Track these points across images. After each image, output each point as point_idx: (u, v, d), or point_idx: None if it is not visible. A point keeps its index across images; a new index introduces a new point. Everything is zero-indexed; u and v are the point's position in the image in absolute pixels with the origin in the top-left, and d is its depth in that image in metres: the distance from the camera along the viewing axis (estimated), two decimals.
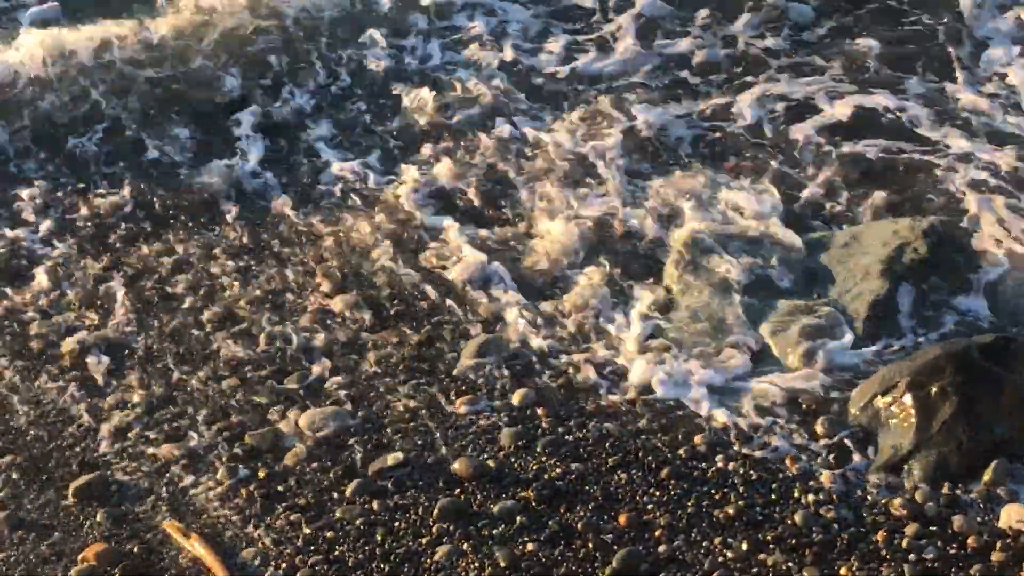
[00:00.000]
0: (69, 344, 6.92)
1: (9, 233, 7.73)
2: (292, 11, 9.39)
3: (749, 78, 8.83)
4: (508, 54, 9.13)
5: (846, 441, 6.09)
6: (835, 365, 6.48)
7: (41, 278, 7.40)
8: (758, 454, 6.05)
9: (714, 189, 7.71)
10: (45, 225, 7.78)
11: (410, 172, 8.03)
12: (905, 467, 5.92)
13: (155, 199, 7.98)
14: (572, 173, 7.94)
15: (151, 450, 6.29)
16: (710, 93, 8.72)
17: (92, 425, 6.45)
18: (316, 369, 6.69)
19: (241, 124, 8.58)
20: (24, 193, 8.01)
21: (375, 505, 5.89)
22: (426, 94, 8.69)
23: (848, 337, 6.55)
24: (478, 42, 9.27)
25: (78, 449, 6.34)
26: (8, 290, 7.34)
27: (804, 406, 6.30)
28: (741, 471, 5.96)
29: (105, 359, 6.83)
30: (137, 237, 7.70)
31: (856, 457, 6.01)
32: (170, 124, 8.61)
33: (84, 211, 7.89)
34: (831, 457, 6.01)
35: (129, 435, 6.39)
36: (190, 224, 7.78)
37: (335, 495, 5.99)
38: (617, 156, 8.06)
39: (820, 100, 8.51)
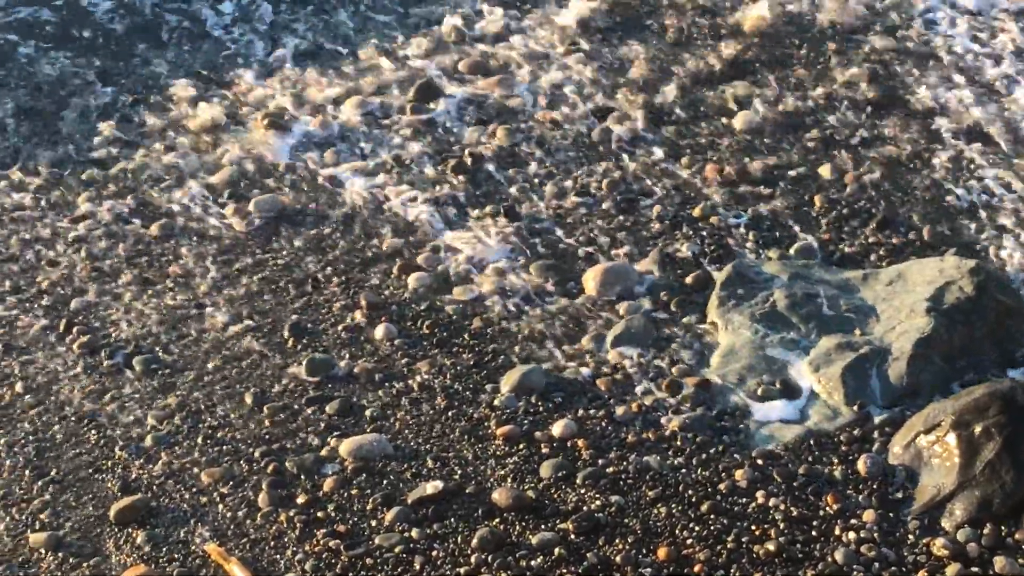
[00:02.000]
0: (111, 362, 6.98)
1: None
2: None
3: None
4: None
5: (888, 479, 6.06)
6: (879, 403, 6.44)
7: (89, 297, 7.48)
8: (799, 491, 6.03)
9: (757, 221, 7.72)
10: None
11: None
12: (947, 507, 5.88)
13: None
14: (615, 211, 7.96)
15: (193, 473, 6.32)
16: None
17: (134, 447, 6.48)
18: (357, 396, 6.70)
19: None
20: None
21: (414, 533, 5.89)
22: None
23: (892, 375, 6.51)
24: None
25: (120, 471, 6.37)
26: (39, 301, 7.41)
27: (846, 443, 6.27)
28: (782, 507, 5.93)
29: (151, 382, 6.87)
30: (170, 257, 7.77)
31: (898, 495, 5.98)
32: None
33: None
34: (873, 495, 5.98)
35: (171, 458, 6.41)
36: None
37: (374, 522, 5.99)
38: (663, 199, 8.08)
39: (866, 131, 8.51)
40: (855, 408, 6.43)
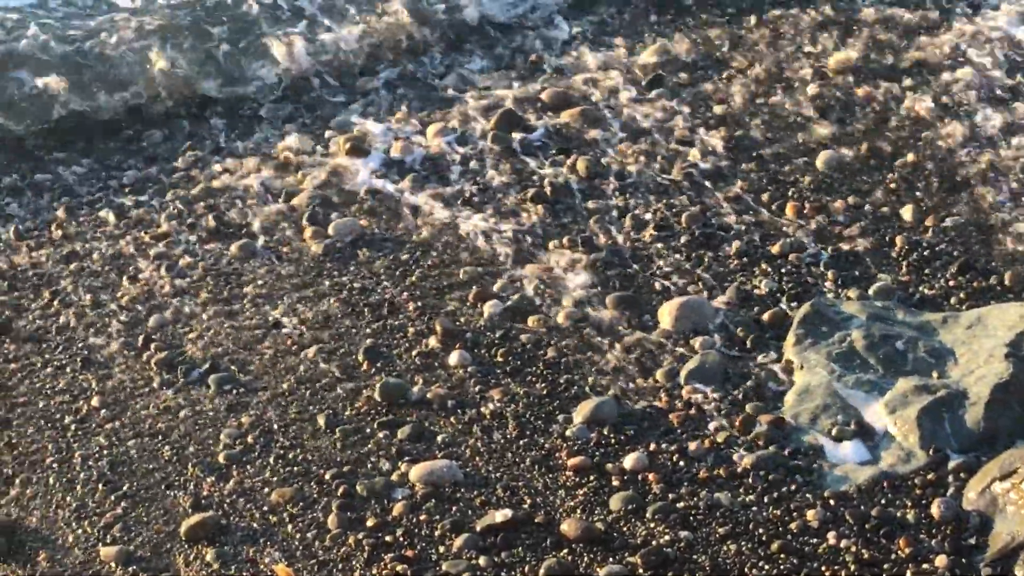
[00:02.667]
0: (186, 379, 7.04)
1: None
2: None
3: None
4: None
5: (962, 525, 5.98)
6: (954, 447, 6.37)
7: (165, 316, 7.55)
8: (871, 533, 5.97)
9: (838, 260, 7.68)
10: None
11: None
12: (1021, 555, 5.80)
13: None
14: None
15: (263, 492, 6.35)
16: None
17: (207, 464, 6.52)
18: (429, 421, 6.70)
19: None
20: None
21: (482, 561, 5.88)
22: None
23: (969, 419, 6.44)
24: None
25: (192, 488, 6.41)
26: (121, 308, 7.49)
27: (920, 487, 6.20)
28: (853, 549, 5.87)
29: (225, 401, 6.92)
30: (249, 277, 7.83)
31: (971, 541, 5.90)
32: None
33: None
34: (946, 541, 5.90)
35: (242, 476, 6.45)
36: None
37: (442, 548, 5.99)
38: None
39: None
40: (930, 452, 6.36)
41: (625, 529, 6.04)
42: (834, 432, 6.50)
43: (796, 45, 10.08)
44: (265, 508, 6.27)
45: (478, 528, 6.06)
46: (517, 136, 9.08)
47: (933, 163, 8.59)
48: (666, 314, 7.30)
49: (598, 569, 5.82)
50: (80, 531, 6.23)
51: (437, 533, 6.07)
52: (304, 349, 7.23)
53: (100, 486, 6.45)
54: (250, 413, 6.82)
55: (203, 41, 10.07)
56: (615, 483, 6.28)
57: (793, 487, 6.23)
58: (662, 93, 9.49)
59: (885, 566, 5.79)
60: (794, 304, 7.33)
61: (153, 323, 7.50)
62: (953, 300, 7.36)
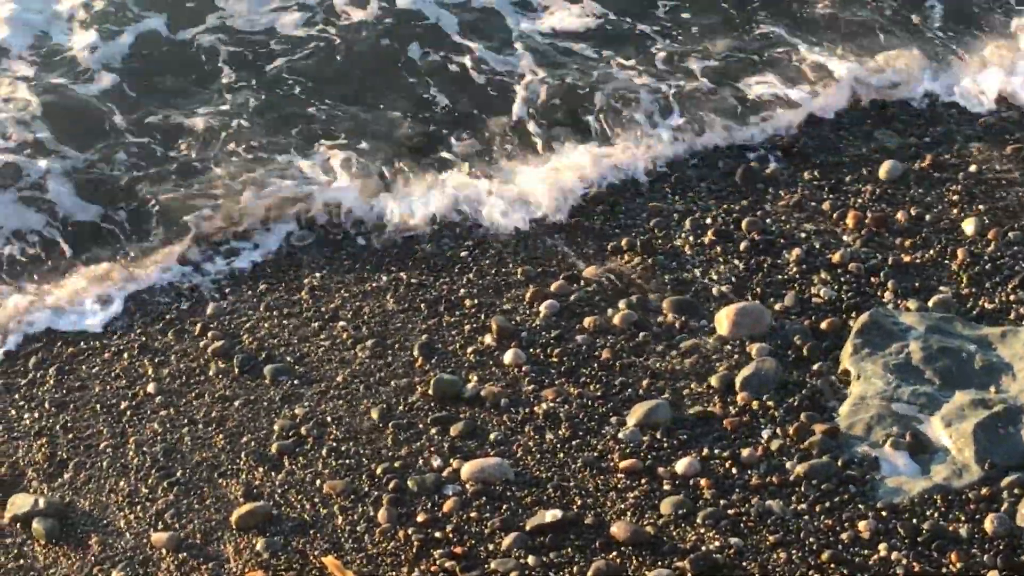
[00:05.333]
0: (241, 369, 7.08)
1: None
2: None
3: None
4: None
5: (1015, 540, 5.93)
6: (1011, 462, 6.32)
7: (217, 304, 7.59)
8: (923, 546, 5.93)
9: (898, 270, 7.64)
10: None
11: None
12: None
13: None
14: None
15: (315, 484, 6.37)
16: None
17: (259, 454, 6.56)
18: (482, 419, 6.71)
19: None
20: None
21: (530, 560, 5.89)
22: None
23: None
24: None
25: (244, 477, 6.44)
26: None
27: (974, 501, 6.15)
28: (904, 561, 5.84)
29: (279, 391, 6.95)
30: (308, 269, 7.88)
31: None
32: None
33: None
34: (998, 556, 5.86)
35: (294, 467, 6.47)
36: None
37: (491, 546, 6.00)
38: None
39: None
40: (985, 466, 6.31)
41: (675, 533, 6.02)
42: (888, 444, 6.46)
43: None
44: (316, 500, 6.30)
45: (528, 527, 6.07)
46: None
47: (992, 183, 8.52)
48: (723, 319, 7.27)
49: (647, 572, 5.81)
50: (132, 516, 6.28)
51: (487, 531, 6.08)
52: (359, 342, 7.27)
53: (153, 472, 6.49)
54: (304, 405, 6.85)
55: None
56: (666, 487, 6.27)
57: (845, 497, 6.20)
58: None
59: None
60: (852, 314, 7.28)
61: (211, 311, 7.55)
62: (1012, 315, 7.30)
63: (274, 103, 9.28)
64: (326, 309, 7.53)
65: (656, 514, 6.13)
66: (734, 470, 6.36)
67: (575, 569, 5.85)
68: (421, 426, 6.69)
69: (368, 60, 9.79)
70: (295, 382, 7.01)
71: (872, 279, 7.59)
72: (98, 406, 6.92)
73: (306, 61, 9.72)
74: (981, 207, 8.20)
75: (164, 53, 9.86)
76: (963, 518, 6.07)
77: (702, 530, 6.03)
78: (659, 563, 5.87)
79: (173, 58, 9.82)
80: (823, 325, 7.23)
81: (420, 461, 6.48)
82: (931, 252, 7.81)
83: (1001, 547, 5.91)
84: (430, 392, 6.87)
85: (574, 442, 6.56)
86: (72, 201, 8.36)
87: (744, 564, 5.86)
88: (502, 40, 9.99)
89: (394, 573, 5.89)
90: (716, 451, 6.47)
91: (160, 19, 10.13)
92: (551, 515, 6.09)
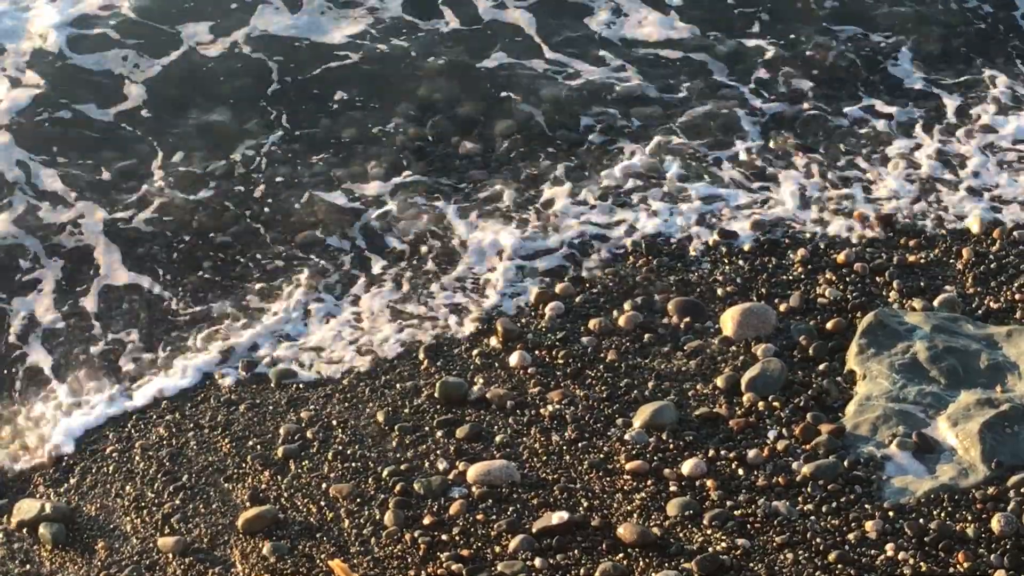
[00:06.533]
0: (247, 372, 7.09)
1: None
2: None
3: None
4: None
5: (1022, 540, 5.92)
6: (1017, 462, 6.32)
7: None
8: (930, 546, 5.92)
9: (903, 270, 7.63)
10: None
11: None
12: None
13: None
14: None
15: (321, 488, 6.37)
16: None
17: (265, 458, 6.56)
18: (488, 421, 6.71)
19: None
20: None
21: (537, 563, 5.88)
22: None
23: None
24: None
25: (250, 481, 6.45)
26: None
27: (980, 501, 6.15)
28: (911, 561, 5.83)
29: (285, 395, 6.95)
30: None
31: None
32: None
33: None
34: (1005, 555, 5.85)
35: (300, 471, 6.47)
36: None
37: (498, 548, 6.00)
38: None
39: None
40: (992, 466, 6.31)
41: (681, 535, 6.02)
42: (895, 444, 6.46)
43: None
44: (322, 503, 6.30)
45: (534, 529, 6.06)
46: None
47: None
48: (729, 320, 7.27)
49: (653, 574, 5.81)
50: (138, 520, 6.28)
51: (493, 533, 6.08)
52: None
53: (160, 476, 6.50)
54: (309, 408, 6.85)
55: None
56: (672, 488, 6.27)
57: (852, 498, 6.20)
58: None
59: None
60: (858, 314, 7.27)
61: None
62: (1018, 314, 7.29)
63: None
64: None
65: (663, 515, 6.13)
66: (740, 471, 6.36)
67: (582, 571, 5.85)
68: (427, 429, 6.69)
69: None
70: (301, 385, 7.01)
71: (877, 279, 7.58)
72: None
73: None
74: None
75: None
76: (970, 518, 6.07)
77: (709, 531, 6.03)
78: (666, 564, 5.86)
79: None
80: (828, 325, 7.22)
81: (426, 464, 6.48)
82: (936, 252, 7.81)
83: (1008, 547, 5.90)
84: (436, 395, 6.87)
85: (580, 444, 6.56)
86: None
87: (751, 565, 5.85)
88: None
89: (402, 575, 5.91)
90: (722, 452, 6.46)
91: None
92: (557, 517, 6.09)
